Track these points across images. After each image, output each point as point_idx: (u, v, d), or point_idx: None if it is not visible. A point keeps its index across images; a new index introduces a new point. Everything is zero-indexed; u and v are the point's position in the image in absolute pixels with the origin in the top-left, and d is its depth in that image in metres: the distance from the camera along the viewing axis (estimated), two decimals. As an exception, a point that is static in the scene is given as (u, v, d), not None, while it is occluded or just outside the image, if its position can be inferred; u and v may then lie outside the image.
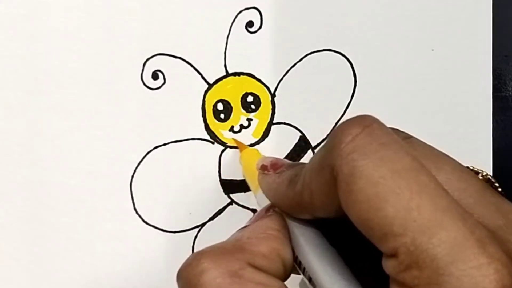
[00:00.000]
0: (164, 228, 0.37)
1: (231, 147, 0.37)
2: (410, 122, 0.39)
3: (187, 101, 0.37)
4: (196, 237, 0.37)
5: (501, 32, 0.40)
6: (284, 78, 0.38)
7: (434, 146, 0.27)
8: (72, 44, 0.36)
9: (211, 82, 0.37)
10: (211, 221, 0.37)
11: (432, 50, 0.39)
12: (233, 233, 0.28)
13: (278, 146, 0.38)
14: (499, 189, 0.27)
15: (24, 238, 0.36)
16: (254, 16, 0.37)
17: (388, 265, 0.23)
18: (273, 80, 0.38)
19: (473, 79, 0.40)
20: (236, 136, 0.37)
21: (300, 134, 0.38)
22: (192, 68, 0.37)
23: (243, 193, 0.37)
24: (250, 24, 0.37)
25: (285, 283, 0.27)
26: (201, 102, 0.37)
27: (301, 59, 0.38)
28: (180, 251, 0.37)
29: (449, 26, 0.39)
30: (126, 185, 0.37)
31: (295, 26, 0.38)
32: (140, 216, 0.37)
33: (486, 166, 0.39)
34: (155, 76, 0.37)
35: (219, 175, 0.37)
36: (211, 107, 0.37)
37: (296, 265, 0.28)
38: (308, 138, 0.38)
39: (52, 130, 0.36)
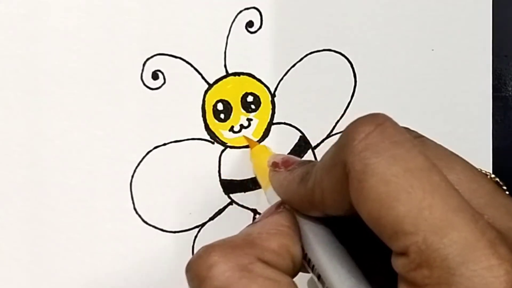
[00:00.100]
0: (164, 228, 0.37)
1: (231, 147, 0.37)
2: (410, 122, 0.38)
3: (187, 101, 0.37)
4: (196, 237, 0.37)
5: (501, 32, 0.40)
6: (284, 78, 0.38)
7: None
8: (72, 44, 0.36)
9: (211, 82, 0.37)
10: (211, 221, 0.37)
11: (432, 50, 0.39)
12: (243, 228, 0.28)
13: (278, 146, 0.38)
14: (507, 192, 0.27)
15: (24, 238, 0.36)
16: (254, 16, 0.37)
17: (398, 264, 0.23)
18: (273, 80, 0.38)
19: (473, 79, 0.40)
20: (236, 136, 0.37)
21: (300, 134, 0.38)
22: (192, 68, 0.37)
23: (243, 193, 0.37)
24: (250, 24, 0.37)
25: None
26: (201, 102, 0.37)
27: (301, 59, 0.38)
28: (180, 251, 0.37)
29: (449, 26, 0.39)
30: (126, 185, 0.37)
31: (295, 26, 0.38)
32: (140, 216, 0.37)
33: (486, 166, 0.39)
34: (155, 76, 0.37)
35: (219, 175, 0.37)
36: (211, 107, 0.37)
37: (305, 263, 0.28)
38: (308, 138, 0.38)
39: (52, 130, 0.36)
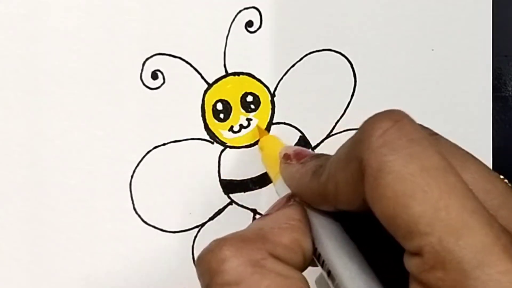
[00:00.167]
0: (164, 228, 0.37)
1: (230, 147, 0.37)
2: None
3: (186, 101, 0.37)
4: (196, 237, 0.37)
5: (501, 32, 0.40)
6: (284, 78, 0.38)
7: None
8: (72, 44, 0.36)
9: (210, 82, 0.37)
10: (211, 221, 0.37)
11: (432, 50, 0.39)
12: (254, 221, 0.28)
13: (278, 146, 0.38)
14: None
15: (24, 238, 0.36)
16: (253, 15, 0.37)
17: (411, 264, 0.23)
18: (272, 80, 0.38)
19: (473, 79, 0.40)
20: (235, 136, 0.37)
21: (300, 134, 0.38)
22: (191, 68, 0.37)
23: (242, 193, 0.37)
24: (249, 23, 0.37)
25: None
26: (200, 102, 0.37)
27: (301, 59, 0.38)
28: (180, 251, 0.37)
29: (449, 26, 0.39)
30: (126, 185, 0.37)
31: (294, 26, 0.38)
32: (139, 216, 0.37)
33: (486, 166, 0.39)
34: (154, 76, 0.37)
35: (219, 175, 0.37)
36: (211, 107, 0.37)
37: (315, 258, 0.27)
38: (308, 138, 0.38)
39: (52, 130, 0.36)
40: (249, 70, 0.38)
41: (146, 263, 0.37)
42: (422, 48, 0.39)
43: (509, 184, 0.27)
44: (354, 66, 0.39)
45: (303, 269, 0.27)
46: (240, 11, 0.37)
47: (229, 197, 0.37)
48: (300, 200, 0.29)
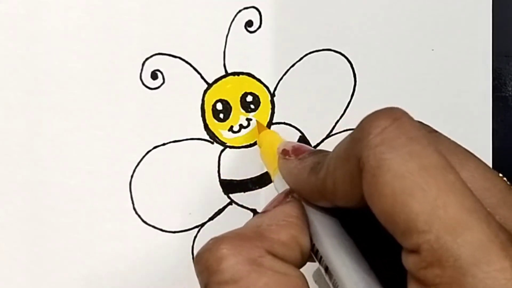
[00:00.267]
0: (164, 228, 0.37)
1: (230, 147, 0.37)
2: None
3: (186, 101, 0.37)
4: (195, 237, 0.37)
5: (501, 32, 0.40)
6: (284, 77, 0.38)
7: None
8: (72, 44, 0.36)
9: (210, 81, 0.37)
10: (211, 221, 0.37)
11: (432, 50, 0.39)
12: (251, 218, 0.28)
13: (278, 146, 0.38)
14: None
15: (24, 238, 0.36)
16: (253, 15, 0.37)
17: (409, 261, 0.23)
18: (272, 79, 0.38)
19: (473, 79, 0.40)
20: (235, 136, 0.37)
21: (299, 134, 0.38)
22: (191, 68, 0.37)
23: (242, 193, 0.37)
24: (249, 23, 0.37)
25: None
26: (200, 102, 0.37)
27: (301, 58, 0.38)
28: (180, 251, 0.37)
29: (449, 26, 0.39)
30: (126, 185, 0.37)
31: (294, 26, 0.38)
32: (139, 216, 0.37)
33: (486, 166, 0.39)
34: (154, 75, 0.37)
35: (219, 175, 0.37)
36: (211, 107, 0.37)
37: (312, 254, 0.27)
38: (308, 138, 0.38)
39: (52, 130, 0.36)
40: (249, 70, 0.38)
41: (146, 263, 0.37)
42: (422, 48, 0.39)
43: (508, 183, 0.27)
44: (354, 66, 0.39)
45: (301, 265, 0.27)
46: (239, 11, 0.37)
47: (229, 197, 0.37)
48: (298, 196, 0.29)
